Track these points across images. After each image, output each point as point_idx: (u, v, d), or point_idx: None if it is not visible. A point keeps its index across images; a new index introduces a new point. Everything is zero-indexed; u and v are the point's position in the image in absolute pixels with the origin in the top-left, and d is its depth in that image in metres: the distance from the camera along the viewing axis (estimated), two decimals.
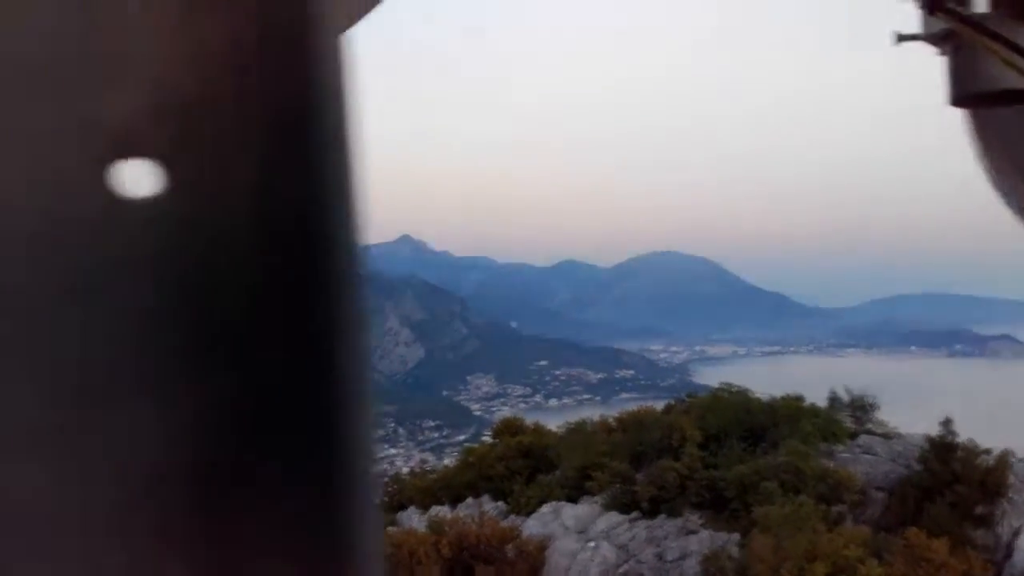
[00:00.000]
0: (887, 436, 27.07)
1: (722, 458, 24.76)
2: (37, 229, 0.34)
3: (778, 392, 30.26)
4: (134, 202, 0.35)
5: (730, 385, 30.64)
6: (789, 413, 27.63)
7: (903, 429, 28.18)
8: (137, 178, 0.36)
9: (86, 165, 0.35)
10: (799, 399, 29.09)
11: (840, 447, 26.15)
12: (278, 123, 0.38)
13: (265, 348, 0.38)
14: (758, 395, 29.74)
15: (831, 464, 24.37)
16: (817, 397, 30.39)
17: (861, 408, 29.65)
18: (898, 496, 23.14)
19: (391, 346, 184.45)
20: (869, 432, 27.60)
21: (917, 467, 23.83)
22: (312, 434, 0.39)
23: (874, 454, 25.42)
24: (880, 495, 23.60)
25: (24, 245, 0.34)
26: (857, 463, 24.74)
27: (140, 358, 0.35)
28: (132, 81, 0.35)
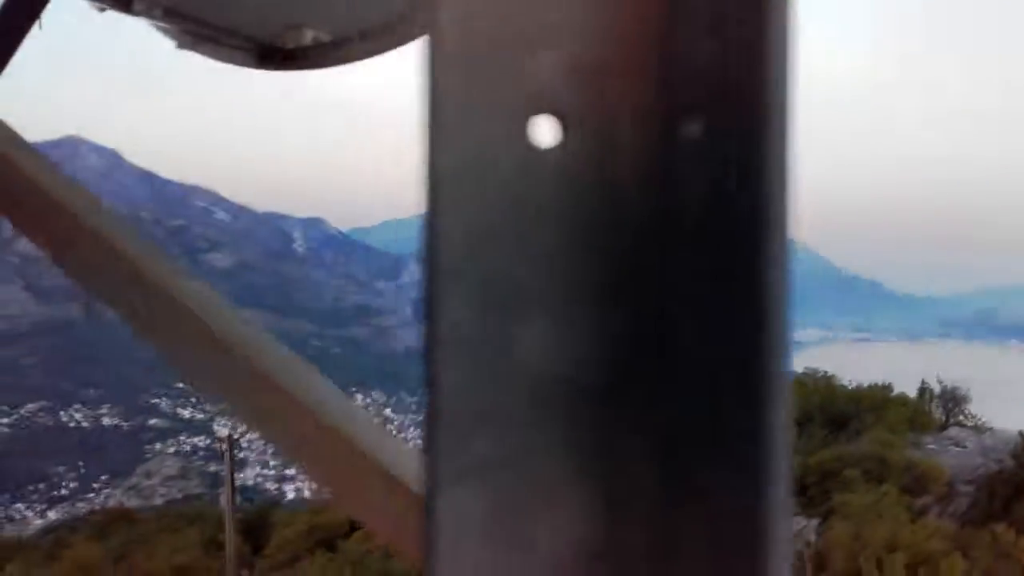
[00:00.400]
0: (979, 429, 26.24)
1: (803, 443, 24.37)
2: (468, 172, 0.42)
3: (866, 380, 29.61)
4: (546, 153, 0.42)
5: (815, 370, 30.08)
6: (876, 402, 27.01)
7: (997, 424, 27.27)
8: (551, 131, 0.42)
9: (506, 117, 0.42)
10: (887, 388, 28.39)
11: (928, 438, 25.46)
12: (698, 85, 0.42)
13: (665, 290, 0.42)
14: (844, 382, 29.12)
15: (918, 455, 23.76)
16: (907, 387, 29.62)
17: (952, 400, 28.79)
18: (986, 491, 22.43)
19: None
20: (960, 424, 26.79)
21: (1009, 463, 23.04)
22: (714, 376, 0.42)
23: (963, 447, 24.68)
24: (968, 489, 22.92)
25: (457, 186, 0.42)
26: (945, 455, 24.06)
27: (547, 284, 0.42)
28: (552, 45, 0.41)
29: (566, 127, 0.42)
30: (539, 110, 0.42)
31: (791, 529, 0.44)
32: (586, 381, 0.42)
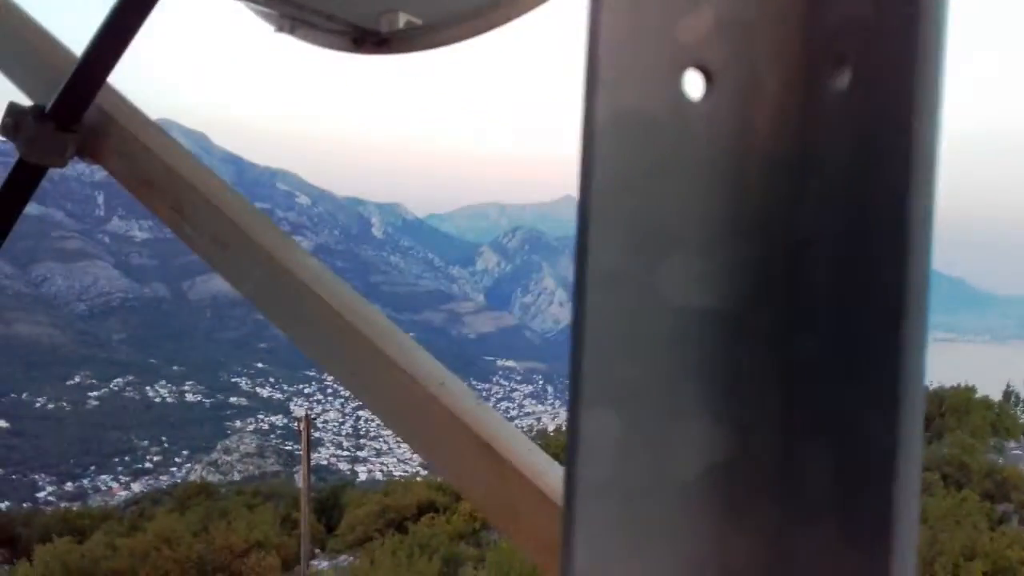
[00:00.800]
0: None
1: None
2: (622, 120, 0.45)
3: (948, 381, 28.73)
4: (695, 104, 0.45)
5: None
6: (958, 404, 26.18)
7: None
8: (699, 84, 0.46)
9: (660, 70, 0.45)
10: (970, 390, 27.50)
11: (1011, 444, 24.61)
12: (845, 38, 0.44)
13: (802, 230, 0.45)
14: (926, 383, 28.33)
15: (1000, 460, 22.98)
16: (992, 389, 28.65)
17: None
18: None
19: (545, 305, 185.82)
20: None
21: None
22: (849, 312, 0.44)
23: None
24: None
25: (611, 132, 0.45)
26: None
27: (690, 224, 0.46)
28: (702, 4, 0.44)
29: (714, 80, 0.45)
30: (690, 64, 0.45)
31: (920, 464, 0.44)
32: (722, 314, 0.46)
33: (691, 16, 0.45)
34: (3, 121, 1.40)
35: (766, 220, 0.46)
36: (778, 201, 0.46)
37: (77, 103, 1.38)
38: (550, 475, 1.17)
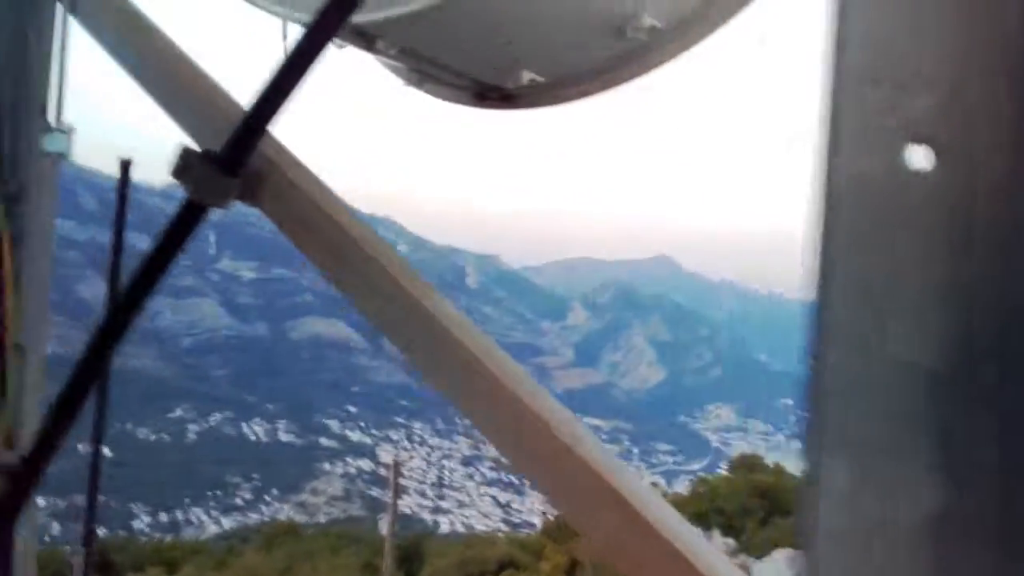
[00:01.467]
0: None
1: None
2: (854, 187, 0.51)
3: None
4: (922, 175, 0.50)
5: None
6: None
7: None
8: (927, 157, 0.50)
9: (891, 147, 0.50)
10: None
11: None
12: None
13: (1016, 292, 0.48)
14: None
15: None
16: None
17: None
18: None
19: (634, 364, 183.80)
20: None
21: None
22: None
23: None
24: None
25: (844, 198, 0.51)
26: None
27: (914, 286, 0.50)
28: (928, 89, 0.49)
29: (939, 154, 0.50)
30: (916, 140, 0.51)
31: None
32: (943, 371, 0.49)
33: (917, 99, 0.50)
34: (176, 164, 1.50)
35: (986, 286, 0.49)
36: (996, 269, 0.49)
37: (242, 149, 1.47)
38: (682, 532, 1.17)
